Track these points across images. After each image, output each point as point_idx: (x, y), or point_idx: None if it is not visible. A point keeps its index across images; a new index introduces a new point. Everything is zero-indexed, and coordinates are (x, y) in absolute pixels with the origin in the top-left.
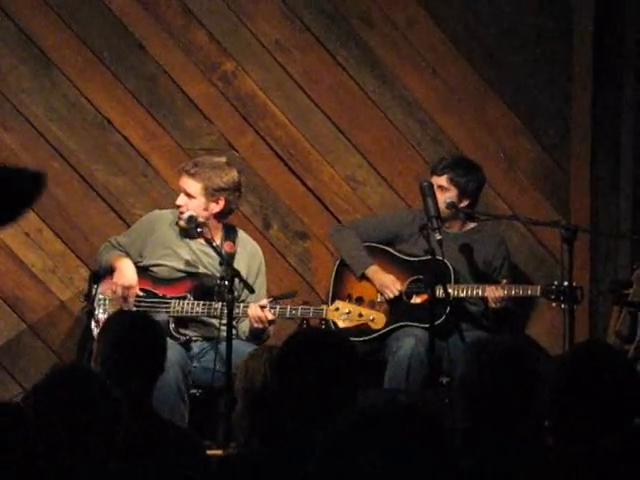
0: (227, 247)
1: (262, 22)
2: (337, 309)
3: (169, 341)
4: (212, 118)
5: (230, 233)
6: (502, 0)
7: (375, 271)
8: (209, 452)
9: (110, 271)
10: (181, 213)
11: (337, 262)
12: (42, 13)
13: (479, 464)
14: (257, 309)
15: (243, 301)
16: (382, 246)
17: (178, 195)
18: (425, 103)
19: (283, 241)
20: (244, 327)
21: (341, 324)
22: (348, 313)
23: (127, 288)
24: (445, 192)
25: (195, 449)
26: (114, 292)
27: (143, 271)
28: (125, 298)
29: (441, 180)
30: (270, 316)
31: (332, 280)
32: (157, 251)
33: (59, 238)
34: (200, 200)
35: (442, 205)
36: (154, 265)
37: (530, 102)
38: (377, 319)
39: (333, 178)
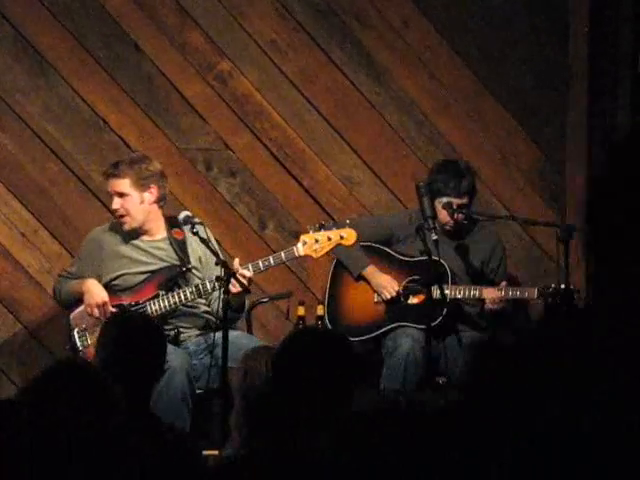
0: (176, 234)
1: (257, 22)
2: (305, 243)
3: (172, 347)
4: (208, 118)
5: (172, 221)
6: None
7: (372, 271)
8: (205, 453)
9: (76, 301)
10: (121, 217)
11: (333, 262)
12: (38, 13)
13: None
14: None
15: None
16: (379, 246)
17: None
18: (421, 103)
19: (279, 241)
20: (216, 304)
21: (316, 254)
22: (317, 241)
23: (102, 305)
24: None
25: (191, 452)
26: (90, 315)
27: (106, 288)
28: (103, 317)
29: (465, 199)
30: (247, 273)
31: (329, 280)
32: (113, 264)
33: (55, 239)
34: (134, 195)
35: (439, 206)
36: (115, 278)
37: (526, 102)
38: (347, 235)
39: (329, 178)
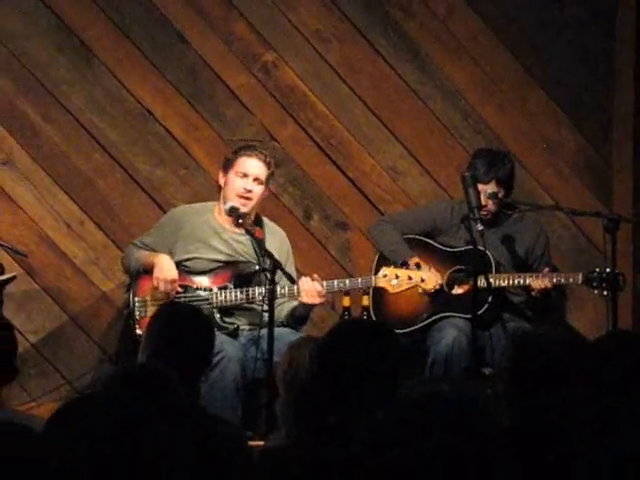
0: (257, 233)
1: (302, 12)
2: (385, 275)
3: (228, 338)
4: (252, 109)
5: (257, 220)
6: None
7: (416, 263)
8: (251, 443)
9: (144, 271)
10: (247, 198)
11: (377, 254)
12: (82, 4)
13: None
14: (309, 281)
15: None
16: (422, 238)
17: (219, 186)
18: (466, 93)
19: (324, 232)
20: (284, 312)
21: (393, 290)
22: (397, 277)
23: (170, 282)
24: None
25: (239, 442)
26: (156, 288)
27: (177, 267)
28: (168, 293)
29: (491, 187)
30: (319, 288)
31: (373, 271)
32: (189, 245)
33: (101, 230)
34: (262, 187)
35: (483, 198)
36: (187, 260)
37: (572, 92)
38: (428, 279)
39: (374, 168)
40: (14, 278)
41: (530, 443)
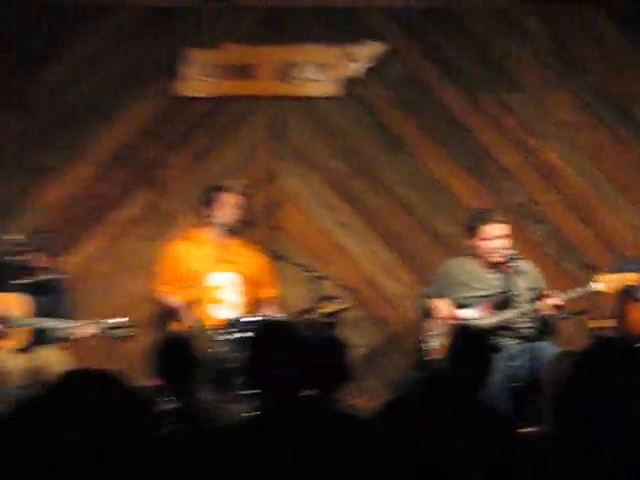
0: (505, 269)
1: (558, 109)
2: (601, 281)
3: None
4: (521, 181)
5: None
6: None
7: None
8: (521, 431)
9: (428, 312)
10: (503, 255)
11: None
12: (396, 110)
13: None
14: (546, 300)
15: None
16: None
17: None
18: None
19: (574, 274)
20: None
21: (609, 290)
22: (611, 281)
23: (445, 318)
24: None
25: (508, 427)
26: (437, 324)
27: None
28: (446, 326)
29: None
30: (558, 302)
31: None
32: (457, 288)
33: (412, 272)
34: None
35: None
36: (457, 298)
37: None
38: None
39: (615, 226)
40: (348, 308)
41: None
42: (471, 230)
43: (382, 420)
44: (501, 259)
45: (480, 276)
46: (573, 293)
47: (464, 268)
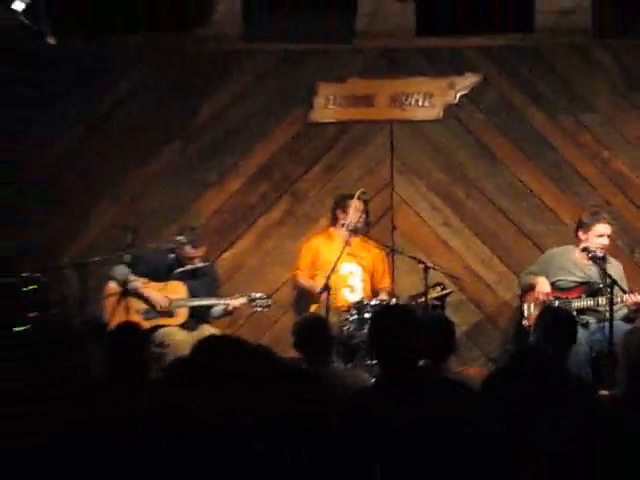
0: (585, 259)
1: (626, 127)
2: None
3: (581, 328)
4: (596, 187)
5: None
6: None
7: None
8: (601, 393)
9: (531, 287)
10: (605, 248)
11: None
12: (490, 130)
13: None
14: (631, 297)
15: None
16: None
17: (578, 238)
18: None
19: None
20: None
21: None
22: None
23: (545, 294)
24: None
25: (588, 390)
26: (537, 299)
27: (551, 285)
28: (544, 301)
29: None
30: (634, 298)
31: None
32: (557, 271)
33: (502, 262)
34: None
35: None
36: (556, 281)
37: None
38: None
39: None
40: (451, 292)
41: None
42: (584, 226)
43: (483, 387)
44: (602, 253)
45: (579, 265)
46: None
47: (566, 256)
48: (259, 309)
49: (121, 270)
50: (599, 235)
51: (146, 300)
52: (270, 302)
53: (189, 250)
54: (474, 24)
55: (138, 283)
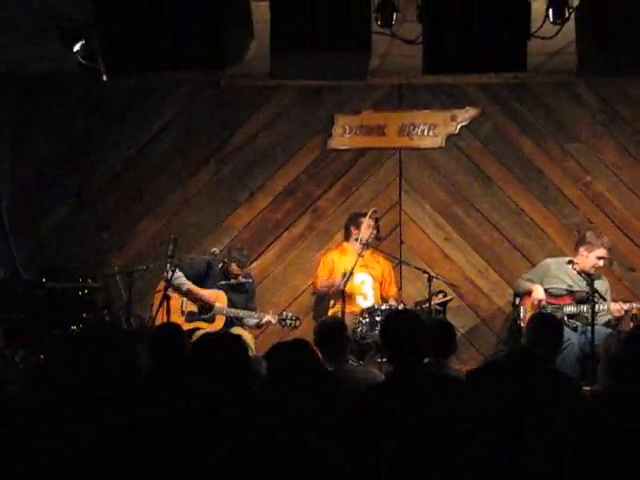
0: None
1: (606, 153)
2: None
3: (572, 332)
4: (578, 206)
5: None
6: None
7: None
8: (584, 388)
9: (528, 293)
10: (597, 268)
11: None
12: (487, 156)
13: None
14: (616, 305)
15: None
16: None
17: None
18: None
19: (618, 271)
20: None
21: None
22: None
23: (540, 300)
24: None
25: (576, 384)
26: (532, 303)
27: (545, 292)
28: (537, 306)
29: None
30: (625, 307)
31: None
32: (551, 280)
33: (496, 273)
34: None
35: None
36: (549, 288)
37: None
38: None
39: None
40: (451, 299)
41: None
42: (587, 245)
43: (477, 383)
44: (594, 270)
45: (571, 275)
46: (634, 304)
47: (560, 266)
48: (287, 328)
49: (179, 277)
50: (599, 257)
51: (198, 298)
52: (299, 323)
53: (234, 267)
54: (474, 64)
55: (190, 285)
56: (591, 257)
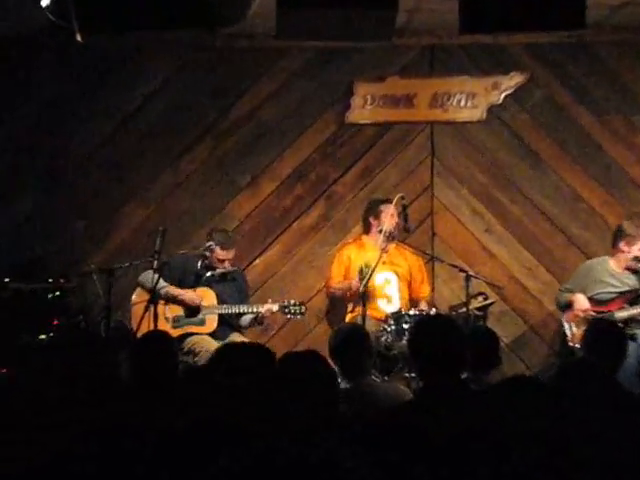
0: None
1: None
2: None
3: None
4: None
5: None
6: None
7: None
8: None
9: (569, 306)
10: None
11: None
12: (535, 131)
13: None
14: None
15: None
16: None
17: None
18: None
19: None
20: None
21: None
22: None
23: (584, 310)
24: None
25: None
26: (577, 316)
27: (589, 300)
28: (584, 317)
29: None
30: None
31: None
32: (595, 285)
33: (547, 271)
34: None
35: None
36: (595, 294)
37: None
38: None
39: None
40: (494, 302)
41: None
42: (628, 237)
43: (526, 401)
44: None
45: (617, 275)
46: None
47: (602, 267)
48: (292, 317)
49: (149, 276)
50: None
51: (179, 301)
52: (304, 309)
53: (218, 252)
54: (521, 21)
55: (168, 288)
56: (634, 250)
